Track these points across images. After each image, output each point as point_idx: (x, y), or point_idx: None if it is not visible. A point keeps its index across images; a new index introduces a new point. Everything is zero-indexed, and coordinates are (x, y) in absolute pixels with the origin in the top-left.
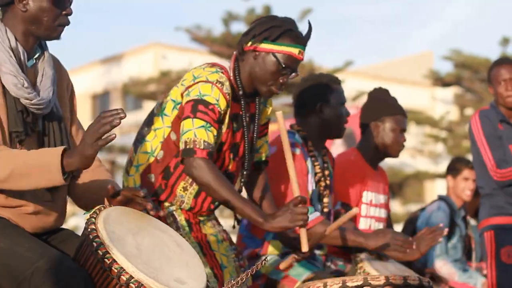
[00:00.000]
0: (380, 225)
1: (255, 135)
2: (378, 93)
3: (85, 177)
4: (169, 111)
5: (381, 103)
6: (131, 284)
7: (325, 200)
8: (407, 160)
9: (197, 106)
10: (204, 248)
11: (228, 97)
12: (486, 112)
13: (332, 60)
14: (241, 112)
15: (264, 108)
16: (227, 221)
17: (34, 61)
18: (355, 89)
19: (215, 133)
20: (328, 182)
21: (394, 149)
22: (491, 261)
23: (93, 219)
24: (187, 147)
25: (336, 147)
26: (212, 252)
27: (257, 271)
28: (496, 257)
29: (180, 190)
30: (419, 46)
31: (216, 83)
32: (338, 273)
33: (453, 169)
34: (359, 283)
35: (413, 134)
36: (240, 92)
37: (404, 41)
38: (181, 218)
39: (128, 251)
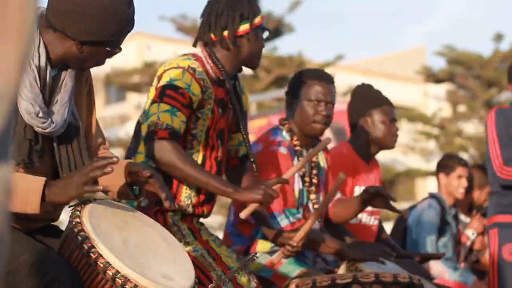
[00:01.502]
0: (372, 219)
1: (242, 121)
2: (361, 89)
3: None
4: (153, 110)
5: (365, 98)
6: (117, 279)
7: (312, 196)
8: (399, 157)
9: (165, 91)
10: (211, 253)
11: (202, 82)
12: (503, 110)
13: (323, 54)
14: (225, 98)
15: (243, 95)
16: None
17: (56, 71)
18: (346, 84)
19: (183, 119)
20: (314, 180)
21: (388, 140)
22: (493, 258)
23: (78, 212)
24: (150, 129)
25: None
26: (219, 256)
27: (246, 266)
28: (498, 254)
29: (185, 196)
30: (412, 41)
31: (188, 68)
32: (329, 271)
33: (446, 167)
34: (349, 280)
35: (405, 131)
36: (218, 78)
37: (397, 36)
38: (184, 227)
39: (114, 245)
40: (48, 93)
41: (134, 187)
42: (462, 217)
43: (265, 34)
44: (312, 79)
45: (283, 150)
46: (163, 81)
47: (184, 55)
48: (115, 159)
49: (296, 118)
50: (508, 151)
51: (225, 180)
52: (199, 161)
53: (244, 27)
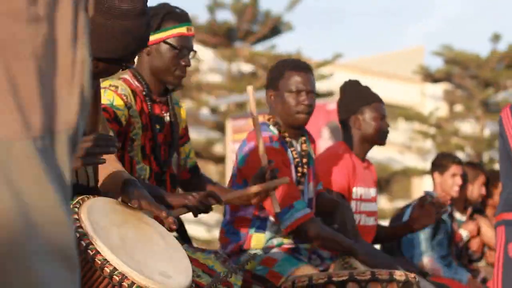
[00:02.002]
0: (371, 219)
1: (176, 137)
2: (350, 86)
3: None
4: None
5: (355, 95)
6: (114, 276)
7: (300, 187)
8: (395, 156)
9: None
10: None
11: (126, 98)
12: None
13: (321, 53)
14: (161, 114)
15: (178, 108)
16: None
17: None
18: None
19: (113, 133)
20: (305, 170)
21: (380, 136)
22: (499, 256)
23: (76, 209)
24: None
25: (324, 140)
26: (195, 259)
27: (243, 267)
28: (504, 251)
29: None
30: (410, 41)
31: (110, 86)
32: (324, 268)
33: (440, 166)
34: (345, 278)
35: (402, 130)
36: (145, 93)
37: (395, 35)
38: None
39: (112, 242)
40: None
41: None
42: (458, 215)
43: (190, 55)
44: (290, 70)
45: (276, 145)
46: None
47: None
48: (116, 143)
49: (279, 111)
50: None
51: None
52: (147, 175)
53: (151, 38)
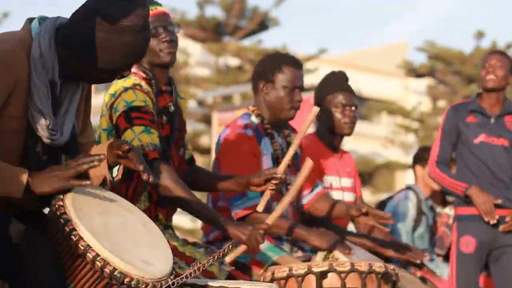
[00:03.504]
0: (346, 194)
1: (183, 127)
2: (324, 77)
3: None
4: (105, 142)
5: (324, 86)
6: (97, 262)
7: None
8: (378, 150)
9: (131, 114)
10: (173, 250)
11: (151, 95)
12: (458, 106)
13: (307, 48)
14: (167, 105)
15: (180, 101)
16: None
17: (62, 79)
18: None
19: (157, 134)
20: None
21: (342, 127)
22: (453, 250)
23: (61, 196)
24: None
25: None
26: (181, 253)
27: (224, 254)
28: (457, 246)
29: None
30: (395, 37)
31: (135, 86)
32: (305, 259)
33: (422, 159)
34: (325, 268)
35: (385, 124)
36: (153, 85)
37: (380, 31)
38: None
39: (96, 229)
40: (54, 103)
41: (113, 169)
42: (439, 209)
43: (172, 29)
44: (288, 65)
45: (249, 132)
46: (121, 108)
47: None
48: (102, 156)
49: (269, 102)
50: (445, 151)
51: (215, 211)
52: None
53: None
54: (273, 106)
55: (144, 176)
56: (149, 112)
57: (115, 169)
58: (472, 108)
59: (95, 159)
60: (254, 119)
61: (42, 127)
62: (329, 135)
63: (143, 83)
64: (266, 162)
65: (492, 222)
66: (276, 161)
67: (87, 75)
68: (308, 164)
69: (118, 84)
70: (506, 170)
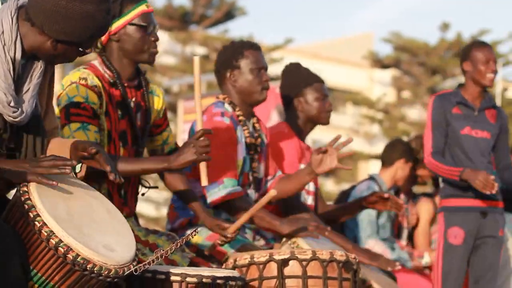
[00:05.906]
0: (310, 198)
1: (148, 123)
2: (290, 69)
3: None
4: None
5: (296, 77)
6: (59, 248)
7: (254, 165)
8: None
9: (69, 110)
10: (136, 238)
11: (97, 89)
12: (443, 96)
13: (273, 37)
14: (126, 100)
15: (154, 97)
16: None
17: (25, 60)
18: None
19: (96, 129)
20: (259, 149)
21: (322, 117)
22: (440, 241)
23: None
24: None
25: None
26: (145, 241)
27: (188, 241)
28: (444, 237)
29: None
30: (361, 28)
31: (80, 80)
32: (268, 248)
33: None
34: (286, 256)
35: (350, 115)
36: (113, 80)
37: (346, 21)
38: None
39: (59, 215)
40: (20, 83)
41: (77, 165)
42: (402, 197)
43: (157, 29)
44: (249, 49)
45: (226, 120)
46: (63, 102)
47: (77, 68)
48: (74, 162)
49: (238, 88)
50: (438, 140)
51: (156, 157)
52: None
53: (116, 25)
54: (244, 91)
55: (111, 177)
56: (88, 108)
57: (78, 166)
58: (457, 100)
59: (67, 164)
60: (227, 106)
61: (3, 103)
62: (302, 124)
63: (90, 76)
64: (241, 150)
65: (493, 192)
66: (249, 148)
67: (46, 52)
68: (272, 193)
69: (68, 77)
70: (488, 162)
